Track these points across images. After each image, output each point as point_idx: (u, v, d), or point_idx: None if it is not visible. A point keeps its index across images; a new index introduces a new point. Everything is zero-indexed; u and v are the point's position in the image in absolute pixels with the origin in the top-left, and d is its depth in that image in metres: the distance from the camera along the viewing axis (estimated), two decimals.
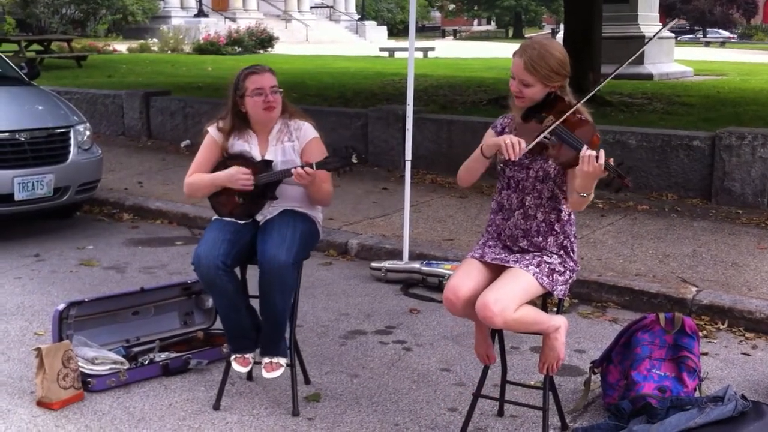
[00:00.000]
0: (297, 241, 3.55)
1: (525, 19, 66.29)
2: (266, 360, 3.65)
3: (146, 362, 4.01)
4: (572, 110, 3.00)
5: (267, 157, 3.68)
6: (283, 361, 3.65)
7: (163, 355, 4.09)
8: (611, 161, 2.83)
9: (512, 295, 2.96)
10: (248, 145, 3.72)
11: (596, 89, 3.27)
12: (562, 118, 2.96)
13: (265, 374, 3.65)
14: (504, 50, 27.29)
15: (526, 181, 3.15)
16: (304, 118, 3.79)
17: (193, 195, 3.82)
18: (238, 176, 3.60)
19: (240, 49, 26.85)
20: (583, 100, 3.06)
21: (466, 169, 3.23)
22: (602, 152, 2.82)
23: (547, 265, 3.09)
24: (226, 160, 3.71)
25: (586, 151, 2.82)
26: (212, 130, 3.77)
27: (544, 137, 2.96)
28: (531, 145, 2.97)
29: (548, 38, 3.32)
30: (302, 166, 3.48)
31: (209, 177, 3.71)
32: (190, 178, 3.77)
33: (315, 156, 3.55)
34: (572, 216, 3.20)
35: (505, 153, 2.94)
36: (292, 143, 3.71)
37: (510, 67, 3.12)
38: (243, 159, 3.68)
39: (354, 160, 3.44)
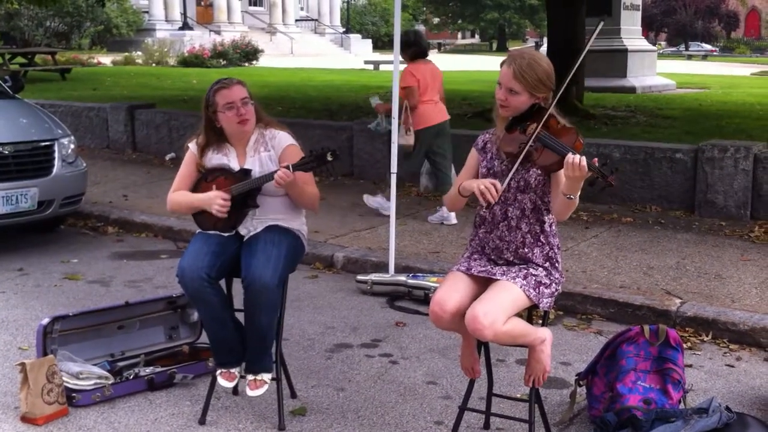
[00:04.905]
0: (282, 260, 3.55)
1: (508, 32, 66.66)
2: (250, 377, 3.64)
3: (131, 377, 3.99)
4: (548, 112, 3.03)
5: (245, 168, 3.69)
6: (267, 377, 3.64)
7: (148, 370, 4.06)
8: (595, 161, 2.87)
9: (501, 307, 2.97)
10: (226, 159, 3.74)
11: (566, 80, 3.25)
12: (542, 120, 3.01)
13: (249, 392, 3.63)
14: (488, 63, 27.44)
15: (508, 192, 3.16)
16: (280, 128, 3.81)
17: (175, 211, 3.87)
18: (215, 201, 3.60)
19: (225, 62, 26.85)
20: (556, 99, 3.10)
21: (449, 199, 3.35)
22: (583, 158, 2.85)
23: (534, 278, 3.11)
24: (206, 174, 3.73)
25: (570, 156, 2.85)
26: (192, 146, 3.81)
27: (529, 145, 2.99)
28: (520, 159, 3.02)
29: (536, 51, 3.36)
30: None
31: (189, 199, 3.74)
32: (173, 195, 3.80)
33: (292, 160, 3.56)
34: (554, 227, 3.22)
35: (482, 200, 3.02)
36: (268, 152, 3.72)
37: (497, 78, 3.15)
38: (221, 171, 3.70)
39: (329, 158, 3.45)
